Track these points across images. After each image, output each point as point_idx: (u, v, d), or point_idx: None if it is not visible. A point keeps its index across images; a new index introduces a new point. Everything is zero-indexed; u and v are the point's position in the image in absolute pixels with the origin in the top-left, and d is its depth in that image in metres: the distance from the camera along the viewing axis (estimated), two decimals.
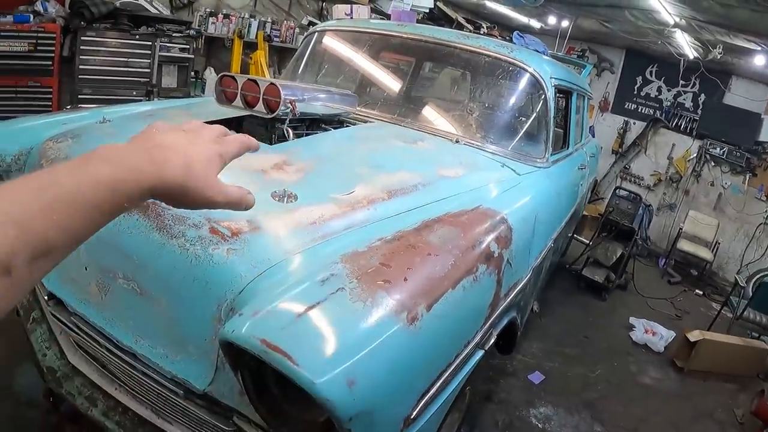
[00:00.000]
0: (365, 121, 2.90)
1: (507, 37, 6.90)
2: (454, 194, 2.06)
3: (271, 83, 2.23)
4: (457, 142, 2.78)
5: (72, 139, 2.06)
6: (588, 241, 6.09)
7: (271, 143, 2.24)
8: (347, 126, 2.81)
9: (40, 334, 2.08)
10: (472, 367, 1.77)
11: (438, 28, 5.07)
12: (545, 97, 2.98)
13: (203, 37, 6.19)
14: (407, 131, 2.81)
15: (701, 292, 7.30)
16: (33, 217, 0.52)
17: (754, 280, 6.44)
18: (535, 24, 8.79)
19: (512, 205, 2.18)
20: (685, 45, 6.99)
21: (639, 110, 9.63)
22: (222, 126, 0.81)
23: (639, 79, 9.55)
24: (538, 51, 3.90)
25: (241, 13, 6.57)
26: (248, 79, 2.28)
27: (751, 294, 5.89)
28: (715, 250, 7.94)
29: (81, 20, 4.82)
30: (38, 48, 4.60)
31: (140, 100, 5.13)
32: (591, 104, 7.25)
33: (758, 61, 6.64)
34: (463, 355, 1.64)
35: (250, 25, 6.55)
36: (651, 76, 9.38)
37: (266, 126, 2.41)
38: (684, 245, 7.87)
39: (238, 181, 1.73)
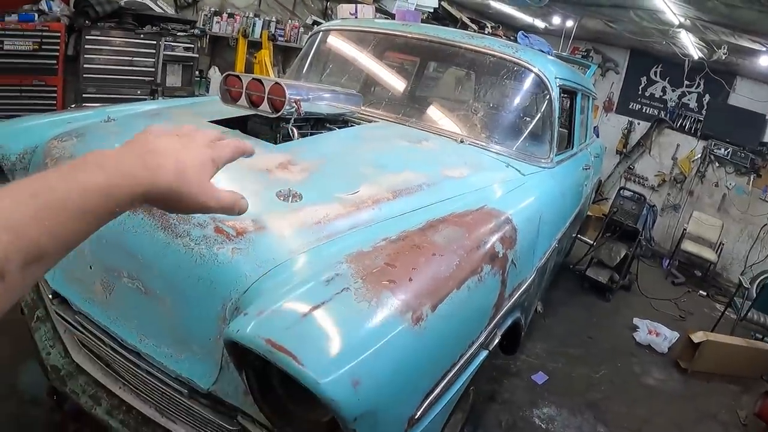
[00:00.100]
0: (370, 121, 2.90)
1: (512, 37, 6.90)
2: (458, 194, 2.06)
3: (276, 83, 2.23)
4: (461, 142, 2.78)
5: (76, 138, 2.06)
6: (592, 242, 6.08)
7: (275, 143, 2.23)
8: (352, 126, 2.80)
9: (44, 333, 2.08)
10: (476, 367, 1.77)
11: (442, 27, 5.06)
12: (550, 97, 2.98)
13: (208, 36, 6.20)
14: (412, 131, 2.81)
15: (705, 293, 7.28)
16: (26, 224, 0.52)
17: (758, 281, 6.45)
18: (540, 24, 8.77)
19: (517, 206, 2.18)
20: (690, 45, 6.98)
21: (643, 110, 9.61)
22: (216, 130, 0.81)
23: (643, 80, 9.53)
24: (542, 51, 3.89)
25: (246, 12, 6.57)
26: (253, 78, 2.28)
27: (755, 295, 5.89)
28: (719, 251, 7.91)
29: (86, 19, 4.83)
30: (43, 47, 4.61)
31: (144, 99, 5.14)
32: (595, 104, 7.23)
33: (763, 61, 6.62)
34: (468, 355, 1.64)
35: (254, 25, 6.55)
36: (655, 76, 9.36)
37: (271, 125, 2.41)
38: (688, 246, 7.84)
39: (243, 181, 1.73)
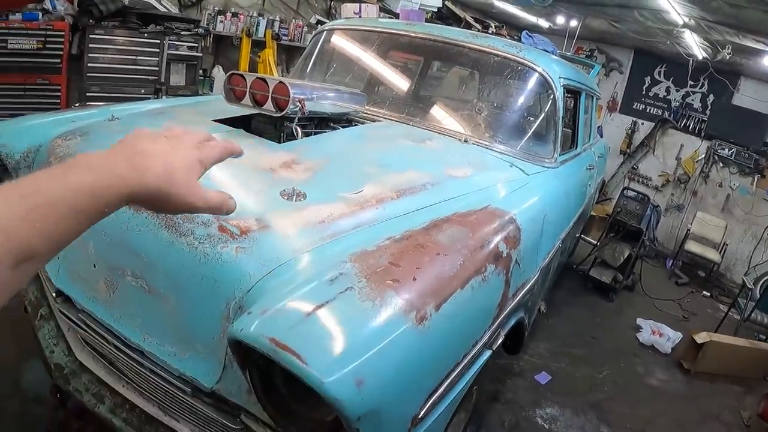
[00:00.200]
0: (374, 120, 2.89)
1: (515, 37, 6.91)
2: (462, 194, 2.05)
3: (280, 82, 2.22)
4: (465, 141, 2.77)
5: (80, 136, 2.06)
6: (595, 242, 6.07)
7: (279, 142, 2.23)
8: (356, 125, 2.80)
9: (47, 331, 2.08)
10: (480, 366, 1.76)
11: (446, 27, 5.05)
12: (554, 96, 2.97)
13: (211, 35, 6.21)
14: (416, 130, 2.81)
15: (708, 294, 7.26)
16: (16, 225, 0.53)
17: (761, 282, 6.41)
18: (544, 23, 8.77)
19: (521, 205, 2.17)
20: (694, 45, 6.96)
21: (647, 110, 9.59)
22: (204, 132, 0.82)
23: (647, 80, 9.51)
24: (546, 51, 3.89)
25: (250, 11, 6.58)
26: (257, 77, 2.28)
27: (758, 296, 5.87)
28: (722, 251, 7.89)
29: (90, 18, 4.84)
30: (47, 46, 4.63)
31: (148, 98, 5.14)
32: (599, 104, 7.23)
33: (767, 62, 6.60)
34: (471, 354, 1.64)
35: (258, 24, 6.56)
36: (660, 76, 9.34)
37: (275, 125, 2.41)
38: (692, 246, 7.82)
39: (248, 180, 1.73)
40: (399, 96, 3.44)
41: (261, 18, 6.59)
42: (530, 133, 2.99)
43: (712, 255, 7.76)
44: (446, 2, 7.94)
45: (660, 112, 9.41)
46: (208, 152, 0.78)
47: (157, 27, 5.37)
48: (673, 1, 5.07)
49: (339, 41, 3.50)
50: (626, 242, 5.90)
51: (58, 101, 4.86)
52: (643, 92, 9.60)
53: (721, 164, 8.52)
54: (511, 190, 2.32)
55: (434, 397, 1.42)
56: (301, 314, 1.16)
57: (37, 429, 2.50)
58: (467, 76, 4.51)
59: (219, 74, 6.39)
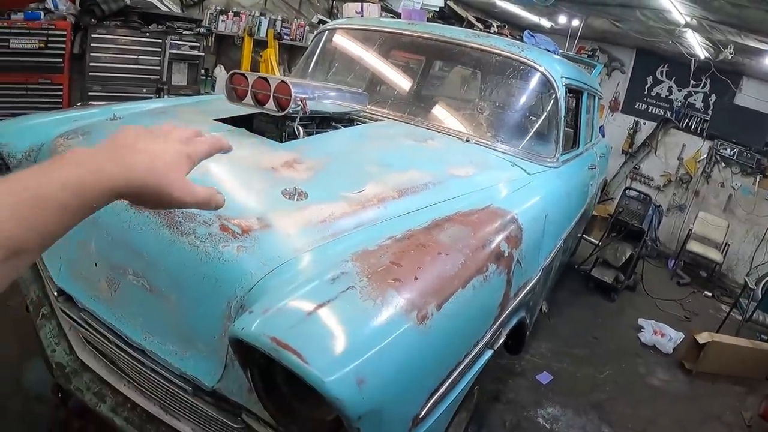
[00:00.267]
0: (375, 120, 2.89)
1: (517, 36, 6.90)
2: (464, 193, 2.05)
3: (282, 81, 2.22)
4: (467, 141, 2.77)
5: (82, 135, 2.06)
6: (597, 242, 6.06)
7: (281, 141, 2.23)
8: (357, 124, 2.80)
9: (49, 330, 2.08)
10: (481, 366, 1.76)
11: (448, 26, 5.05)
12: (556, 96, 2.97)
13: (213, 34, 6.21)
14: (417, 130, 2.80)
15: (710, 294, 7.25)
16: (3, 221, 0.54)
17: (763, 282, 6.39)
18: (546, 23, 8.76)
19: (522, 205, 2.17)
20: (696, 45, 6.95)
21: (649, 110, 9.58)
22: (193, 128, 0.83)
23: (649, 79, 9.50)
24: (548, 50, 3.88)
25: (252, 11, 6.58)
26: (259, 76, 2.28)
27: (760, 296, 5.86)
28: (724, 251, 7.87)
29: (91, 17, 4.85)
30: (49, 45, 4.63)
31: (150, 98, 5.15)
32: (601, 104, 7.21)
33: None
34: (473, 354, 1.63)
35: (260, 23, 6.56)
36: (662, 76, 9.33)
37: (277, 124, 2.41)
38: (693, 246, 7.81)
39: (249, 179, 1.73)
40: (401, 95, 3.44)
41: (263, 17, 6.59)
42: (532, 132, 2.98)
43: (714, 255, 7.75)
44: (448, 2, 7.94)
45: (662, 111, 9.40)
46: (197, 147, 0.79)
47: (159, 26, 5.38)
48: (675, 1, 5.06)
49: (341, 41, 3.50)
50: (628, 242, 5.89)
51: (60, 101, 4.87)
52: (645, 92, 9.58)
53: (723, 164, 8.51)
54: (513, 189, 2.32)
55: (435, 397, 1.41)
56: (302, 313, 1.16)
57: (38, 428, 2.50)
58: (469, 76, 4.51)
59: (221, 74, 6.39)
